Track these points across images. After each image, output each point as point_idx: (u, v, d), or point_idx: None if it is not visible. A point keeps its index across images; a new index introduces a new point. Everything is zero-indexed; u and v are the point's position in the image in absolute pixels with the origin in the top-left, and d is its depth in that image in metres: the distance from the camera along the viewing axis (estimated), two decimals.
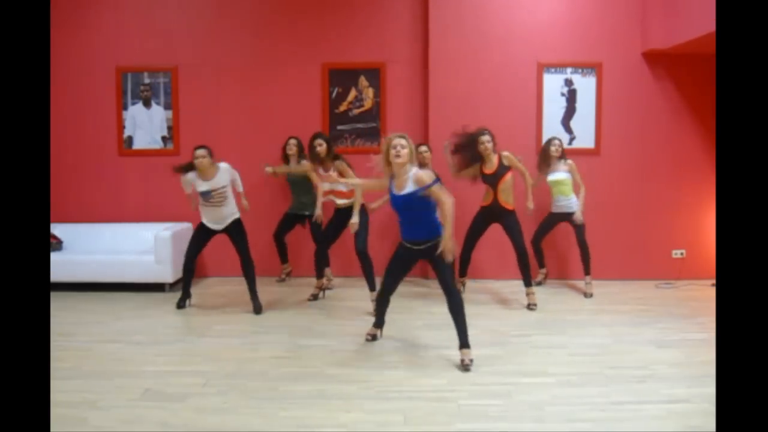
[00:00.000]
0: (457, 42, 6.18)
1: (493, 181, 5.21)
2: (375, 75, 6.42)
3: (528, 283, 5.32)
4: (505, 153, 5.19)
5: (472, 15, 6.17)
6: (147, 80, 6.49)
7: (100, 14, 6.44)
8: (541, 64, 6.23)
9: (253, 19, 6.40)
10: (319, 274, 5.55)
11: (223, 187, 5.08)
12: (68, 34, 6.41)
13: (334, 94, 6.46)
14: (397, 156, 3.77)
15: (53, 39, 6.23)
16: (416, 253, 3.98)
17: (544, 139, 6.03)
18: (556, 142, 5.67)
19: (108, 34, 6.45)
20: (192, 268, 5.29)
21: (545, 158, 5.69)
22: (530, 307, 5.25)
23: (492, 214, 5.31)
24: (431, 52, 6.21)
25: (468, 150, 5.08)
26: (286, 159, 5.99)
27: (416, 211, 3.85)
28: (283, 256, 6.25)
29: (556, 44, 6.21)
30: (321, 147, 5.13)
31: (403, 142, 3.80)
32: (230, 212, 5.18)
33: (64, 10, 6.36)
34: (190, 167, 5.06)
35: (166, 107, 6.50)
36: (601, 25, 6.18)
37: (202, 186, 5.04)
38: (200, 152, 4.98)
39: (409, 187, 3.78)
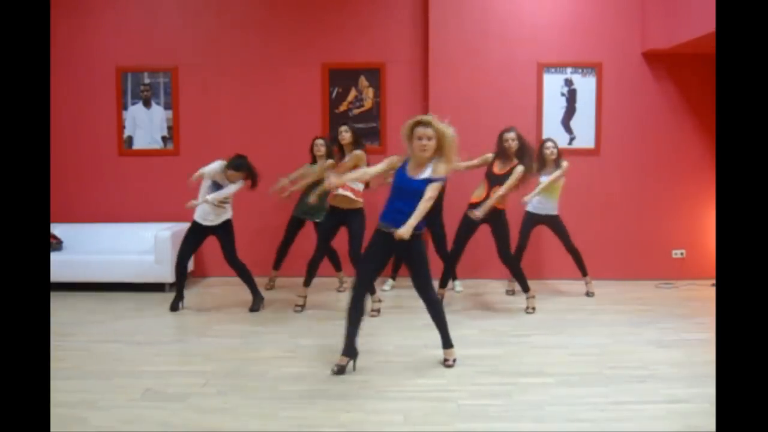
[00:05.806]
0: (457, 42, 6.18)
1: (500, 182, 4.94)
2: (375, 75, 6.42)
3: (526, 288, 5.20)
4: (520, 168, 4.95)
5: (471, 15, 6.17)
6: (147, 80, 6.49)
7: (100, 14, 6.44)
8: (541, 64, 6.23)
9: (253, 19, 6.40)
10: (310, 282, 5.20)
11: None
12: (68, 34, 6.41)
13: (334, 94, 6.46)
14: (423, 150, 3.59)
15: (53, 39, 6.23)
16: (392, 242, 3.66)
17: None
18: (549, 144, 5.50)
19: (108, 34, 6.45)
20: (185, 270, 5.26)
21: (540, 160, 5.48)
22: (528, 310, 5.17)
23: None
24: (431, 52, 6.21)
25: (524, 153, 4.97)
26: (314, 161, 5.70)
27: (416, 199, 3.64)
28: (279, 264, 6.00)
29: (556, 44, 6.21)
30: (346, 133, 4.94)
31: (430, 132, 3.58)
32: (225, 211, 5.18)
33: (64, 10, 6.35)
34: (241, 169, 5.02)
35: (166, 107, 6.50)
36: (601, 25, 6.18)
37: (219, 180, 5.05)
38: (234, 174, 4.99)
39: (426, 173, 3.64)
